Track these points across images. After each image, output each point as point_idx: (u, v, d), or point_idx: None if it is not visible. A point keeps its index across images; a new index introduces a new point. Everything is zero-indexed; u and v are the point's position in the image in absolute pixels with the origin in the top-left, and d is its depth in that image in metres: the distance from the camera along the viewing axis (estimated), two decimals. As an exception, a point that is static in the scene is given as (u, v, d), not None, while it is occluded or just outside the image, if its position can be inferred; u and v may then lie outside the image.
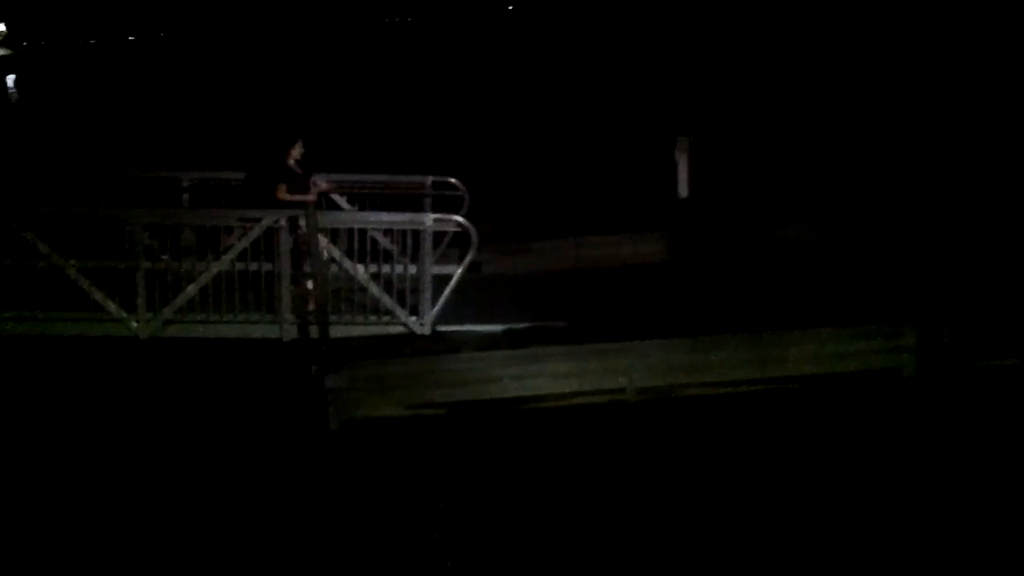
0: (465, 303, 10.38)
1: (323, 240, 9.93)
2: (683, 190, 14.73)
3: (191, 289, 9.86)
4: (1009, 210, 13.84)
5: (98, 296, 9.82)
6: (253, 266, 9.98)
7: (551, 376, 9.08)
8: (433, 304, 10.10)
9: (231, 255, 9.89)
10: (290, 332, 10.02)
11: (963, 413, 8.79)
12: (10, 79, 43.67)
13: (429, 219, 10.28)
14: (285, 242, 9.85)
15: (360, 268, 10.18)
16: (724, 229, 13.08)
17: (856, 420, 8.73)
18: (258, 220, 9.84)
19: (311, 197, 10.73)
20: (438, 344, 9.94)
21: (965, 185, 15.58)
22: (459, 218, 10.38)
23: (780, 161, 16.04)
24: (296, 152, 10.83)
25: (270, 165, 10.68)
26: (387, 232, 10.74)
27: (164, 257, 10.25)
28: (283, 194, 10.47)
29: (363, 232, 10.34)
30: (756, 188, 14.95)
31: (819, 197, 14.78)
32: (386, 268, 10.28)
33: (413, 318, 10.12)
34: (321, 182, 11.32)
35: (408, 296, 10.14)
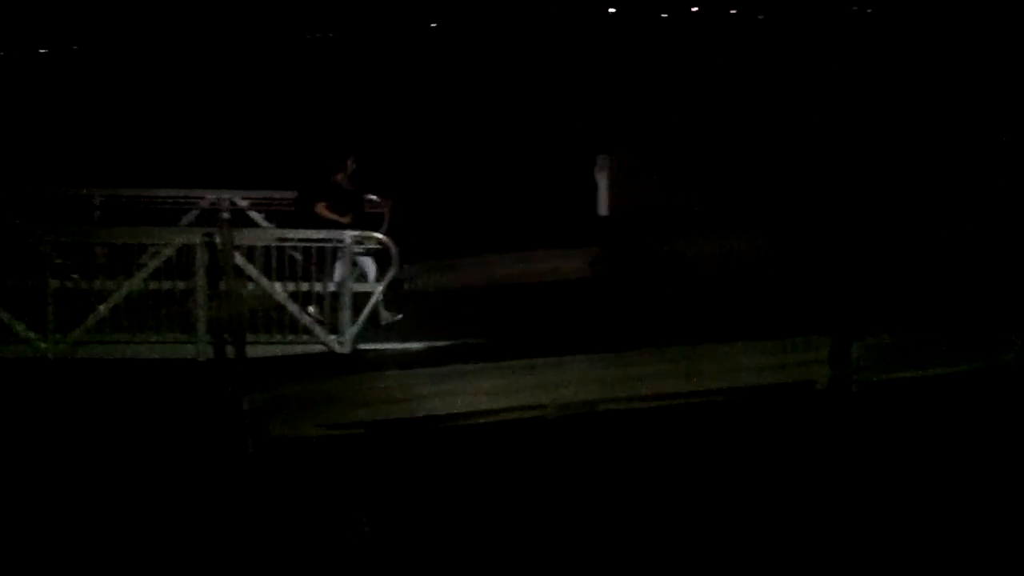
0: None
1: (239, 258, 9.79)
2: (603, 207, 14.88)
3: (102, 309, 9.65)
4: (919, 227, 14.20)
5: (3, 316, 9.57)
6: (167, 285, 9.82)
7: (473, 394, 9.06)
8: (353, 322, 10.03)
9: (143, 274, 9.71)
10: (206, 352, 9.84)
11: (871, 423, 8.98)
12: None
13: (348, 236, 10.21)
14: (201, 261, 9.70)
15: (278, 286, 10.06)
16: (643, 245, 13.20)
17: (771, 431, 8.86)
18: (171, 238, 9.71)
19: (346, 220, 10.49)
20: (359, 363, 9.86)
21: (877, 203, 15.96)
22: (379, 235, 10.33)
23: (698, 178, 16.28)
24: (348, 169, 10.79)
25: (316, 182, 10.61)
26: (306, 249, 10.64)
27: (74, 276, 10.02)
28: (323, 211, 10.44)
29: (281, 249, 10.22)
30: (675, 204, 15.14)
31: (738, 213, 15.03)
32: (305, 286, 10.17)
33: (333, 337, 10.03)
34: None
35: (328, 314, 10.04)
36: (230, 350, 9.63)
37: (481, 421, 9.05)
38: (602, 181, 14.63)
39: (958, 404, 9.19)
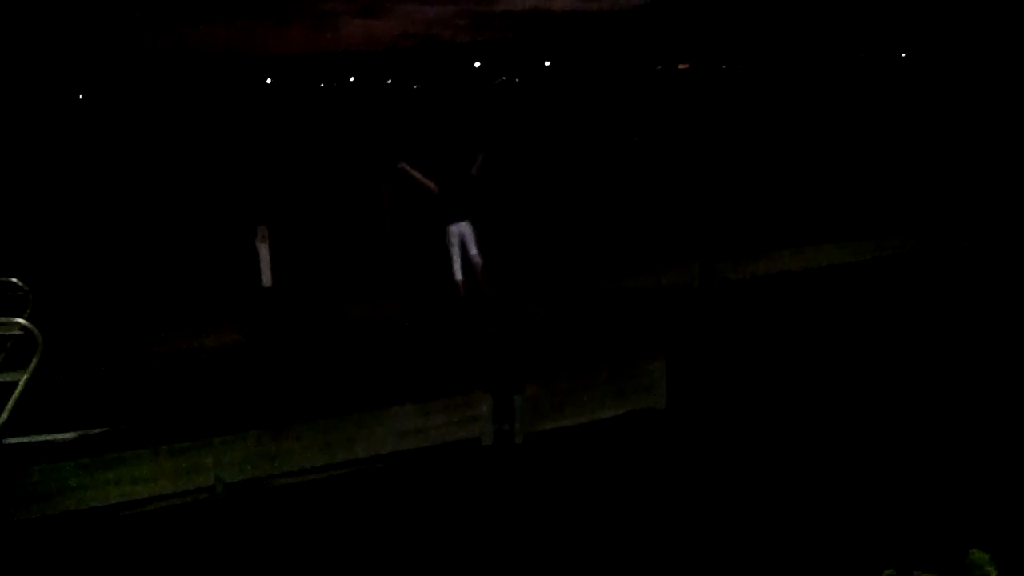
0: (34, 411, 9.74)
1: None
2: (266, 278, 14.77)
3: None
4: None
5: None
6: None
7: (130, 482, 8.62)
8: (-5, 415, 9.35)
9: None
10: None
11: (537, 471, 9.38)
12: None
13: (-12, 321, 9.58)
14: None
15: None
16: (305, 314, 13.19)
17: (441, 491, 9.03)
18: None
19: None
20: (4, 458, 9.16)
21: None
22: (22, 320, 9.75)
23: (355, 241, 16.52)
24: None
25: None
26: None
27: None
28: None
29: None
30: (334, 271, 15.31)
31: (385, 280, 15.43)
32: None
33: (-28, 432, 9.29)
34: None
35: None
36: None
37: (141, 510, 8.63)
38: (263, 251, 14.51)
39: (613, 446, 9.76)
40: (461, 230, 13.12)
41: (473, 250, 13.08)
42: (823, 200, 21.60)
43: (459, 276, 13.03)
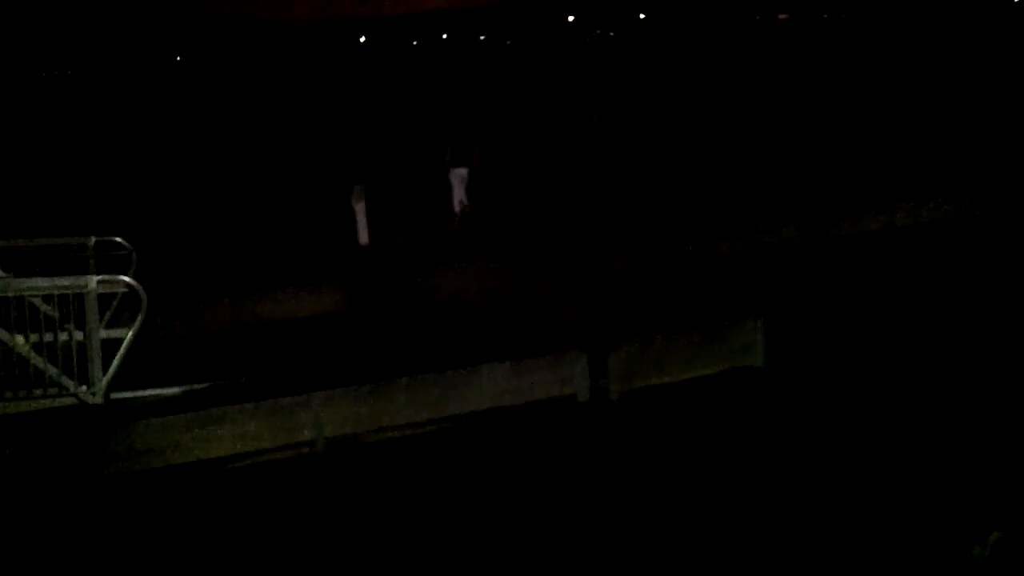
0: (141, 367, 9.96)
1: None
2: (363, 237, 14.96)
3: None
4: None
5: None
6: None
7: (234, 437, 8.82)
8: (105, 370, 9.62)
9: None
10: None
11: (632, 428, 9.35)
12: None
13: (93, 281, 9.81)
14: None
15: (20, 339, 9.53)
16: (401, 275, 13.31)
17: (539, 446, 9.04)
18: None
19: None
20: (113, 413, 9.46)
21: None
22: (127, 279, 9.98)
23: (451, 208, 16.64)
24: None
25: None
26: (48, 298, 10.13)
27: None
28: None
29: (20, 299, 9.70)
30: (433, 232, 15.44)
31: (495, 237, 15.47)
32: (50, 336, 9.68)
33: (84, 387, 9.59)
34: None
35: (76, 364, 9.60)
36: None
37: (245, 463, 8.82)
38: (360, 210, 14.68)
39: (710, 403, 9.66)
40: (461, 174, 16.23)
41: (462, 190, 16.21)
42: (925, 154, 20.99)
43: (456, 209, 16.16)
